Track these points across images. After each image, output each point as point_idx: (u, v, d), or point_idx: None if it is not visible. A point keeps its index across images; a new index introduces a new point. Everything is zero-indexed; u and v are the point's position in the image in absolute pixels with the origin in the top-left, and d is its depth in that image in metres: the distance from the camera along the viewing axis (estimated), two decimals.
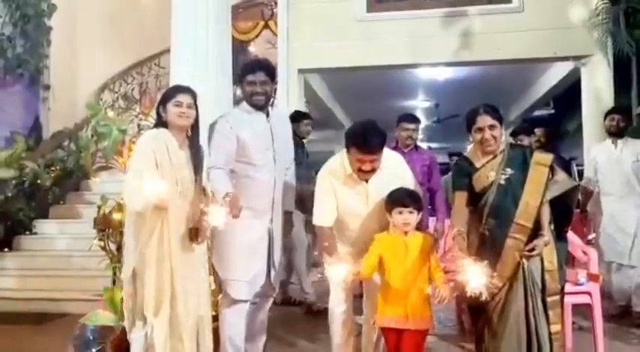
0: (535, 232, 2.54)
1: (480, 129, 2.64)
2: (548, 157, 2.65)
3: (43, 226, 6.10)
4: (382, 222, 2.71)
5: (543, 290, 2.54)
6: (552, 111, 9.61)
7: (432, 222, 3.95)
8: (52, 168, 6.40)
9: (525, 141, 4.30)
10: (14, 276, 5.38)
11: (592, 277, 3.14)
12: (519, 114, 9.84)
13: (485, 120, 2.64)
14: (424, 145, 15.36)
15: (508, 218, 2.54)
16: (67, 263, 5.36)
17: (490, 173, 2.63)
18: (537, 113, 9.64)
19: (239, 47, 8.51)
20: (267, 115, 2.96)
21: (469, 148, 2.91)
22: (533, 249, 2.50)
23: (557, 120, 9.46)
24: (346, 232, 2.83)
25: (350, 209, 2.76)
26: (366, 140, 2.58)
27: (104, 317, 3.19)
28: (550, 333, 2.53)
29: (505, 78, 7.96)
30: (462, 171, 2.74)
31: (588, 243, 4.25)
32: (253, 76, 2.87)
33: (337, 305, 2.86)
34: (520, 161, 2.63)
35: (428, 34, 6.57)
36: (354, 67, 6.84)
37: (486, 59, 6.59)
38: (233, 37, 6.21)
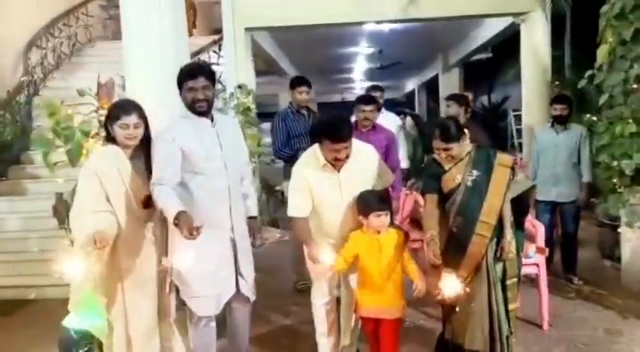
0: (497, 226, 2.79)
1: (437, 149, 2.83)
2: (509, 159, 2.88)
3: None
4: (357, 216, 2.85)
5: (504, 276, 2.86)
6: (490, 55, 9.92)
7: None
8: None
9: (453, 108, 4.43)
10: None
11: (539, 250, 3.50)
12: (459, 60, 10.11)
13: (439, 144, 2.81)
14: (365, 85, 15.55)
15: (474, 216, 2.78)
16: (24, 245, 5.21)
17: (457, 176, 2.84)
18: (476, 57, 9.93)
19: None
20: (212, 120, 2.80)
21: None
22: (502, 255, 2.80)
23: (495, 65, 9.80)
24: (324, 225, 2.92)
25: (325, 200, 2.87)
26: (338, 131, 2.70)
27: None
28: (508, 311, 2.88)
29: (446, 28, 8.20)
30: (432, 175, 2.92)
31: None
32: (194, 82, 2.68)
33: (320, 298, 3.01)
34: (484, 162, 2.84)
35: None
36: (299, 26, 6.76)
37: (432, 16, 6.68)
38: None
